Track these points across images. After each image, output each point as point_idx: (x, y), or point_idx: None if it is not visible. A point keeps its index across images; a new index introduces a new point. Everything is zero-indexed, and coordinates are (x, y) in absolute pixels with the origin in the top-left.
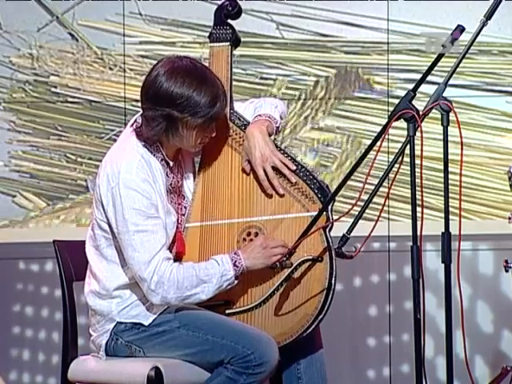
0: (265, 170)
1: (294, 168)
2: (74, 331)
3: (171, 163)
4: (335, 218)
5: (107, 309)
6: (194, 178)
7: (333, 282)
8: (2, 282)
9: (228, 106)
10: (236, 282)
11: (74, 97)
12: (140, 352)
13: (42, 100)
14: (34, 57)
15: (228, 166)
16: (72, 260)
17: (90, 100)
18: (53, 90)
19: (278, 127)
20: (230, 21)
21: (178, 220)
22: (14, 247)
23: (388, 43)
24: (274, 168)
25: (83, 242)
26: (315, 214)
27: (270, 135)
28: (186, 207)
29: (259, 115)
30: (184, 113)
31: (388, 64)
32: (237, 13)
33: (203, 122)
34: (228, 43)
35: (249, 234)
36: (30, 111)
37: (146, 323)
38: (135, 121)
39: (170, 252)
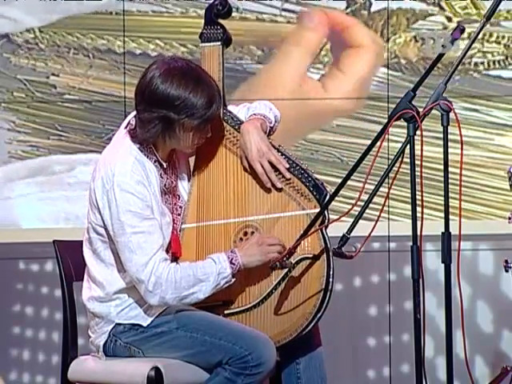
0: (262, 165)
1: (288, 166)
2: (74, 331)
3: (165, 164)
4: (335, 217)
5: (106, 311)
6: (189, 178)
7: (331, 279)
8: (2, 281)
9: (221, 105)
10: (233, 279)
11: (74, 97)
12: (139, 353)
13: (42, 100)
14: (34, 56)
15: (222, 165)
16: (72, 260)
17: (89, 100)
18: (53, 90)
19: (272, 127)
20: (220, 20)
21: (173, 220)
22: (13, 247)
23: (388, 41)
24: (271, 164)
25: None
26: (311, 211)
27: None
28: (181, 207)
29: (254, 114)
30: (181, 114)
31: (388, 63)
32: (227, 12)
33: (200, 124)
34: (219, 43)
35: (245, 234)
36: (29, 111)
37: (145, 324)
38: (128, 123)
39: (167, 253)
